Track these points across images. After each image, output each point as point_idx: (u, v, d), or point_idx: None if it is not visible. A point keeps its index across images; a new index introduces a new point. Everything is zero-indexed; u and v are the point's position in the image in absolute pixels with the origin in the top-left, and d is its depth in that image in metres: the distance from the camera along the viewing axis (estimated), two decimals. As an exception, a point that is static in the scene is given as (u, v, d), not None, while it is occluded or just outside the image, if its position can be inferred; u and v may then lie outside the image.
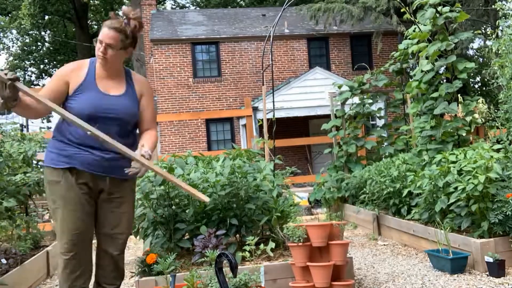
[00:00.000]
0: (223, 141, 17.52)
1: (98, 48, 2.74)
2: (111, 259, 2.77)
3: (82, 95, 2.68)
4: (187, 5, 34.67)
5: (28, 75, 35.02)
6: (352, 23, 16.17)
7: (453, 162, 4.36)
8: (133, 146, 2.75)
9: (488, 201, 3.96)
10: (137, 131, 2.88)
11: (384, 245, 5.23)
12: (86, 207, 2.67)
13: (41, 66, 34.42)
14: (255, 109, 14.20)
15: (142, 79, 2.98)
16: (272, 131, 6.12)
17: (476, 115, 5.34)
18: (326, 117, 10.45)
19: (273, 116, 6.00)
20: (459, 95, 5.44)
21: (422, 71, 5.42)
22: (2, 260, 4.07)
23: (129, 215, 2.83)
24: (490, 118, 5.21)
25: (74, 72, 2.75)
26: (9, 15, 29.25)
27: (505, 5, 4.82)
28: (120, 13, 2.99)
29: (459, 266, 3.86)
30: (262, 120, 6.54)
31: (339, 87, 7.94)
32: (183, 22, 18.85)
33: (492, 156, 4.10)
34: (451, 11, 5.34)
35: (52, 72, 34.69)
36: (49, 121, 36.49)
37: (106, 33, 2.77)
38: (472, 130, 5.37)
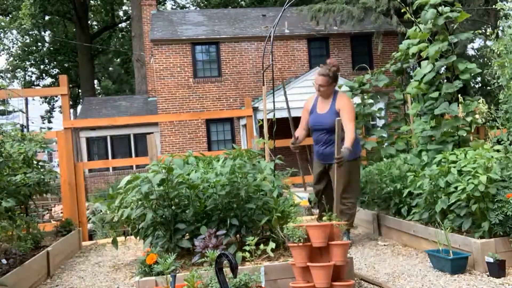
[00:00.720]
0: (223, 141, 17.53)
1: (316, 88, 4.91)
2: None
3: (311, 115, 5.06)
4: (187, 5, 34.70)
5: (28, 75, 35.03)
6: (352, 24, 16.18)
7: (454, 162, 4.36)
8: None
9: (489, 201, 3.96)
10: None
11: (385, 245, 5.23)
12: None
13: (42, 67, 34.44)
14: (256, 109, 14.21)
15: (341, 96, 4.95)
16: (273, 131, 6.12)
17: (477, 115, 5.34)
18: (327, 117, 10.44)
19: (274, 116, 6.00)
20: (459, 95, 5.43)
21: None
22: (2, 260, 4.07)
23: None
24: (491, 118, 5.20)
25: (309, 101, 5.16)
26: (9, 15, 29.26)
27: (506, 5, 4.81)
28: (327, 61, 5.07)
29: (460, 267, 3.85)
30: (262, 120, 6.54)
31: (339, 87, 7.91)
32: (183, 23, 18.85)
33: (492, 156, 4.10)
34: (451, 11, 5.34)
35: (53, 72, 34.71)
36: (50, 121, 36.54)
37: (317, 78, 4.90)
38: (473, 130, 5.37)
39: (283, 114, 14.78)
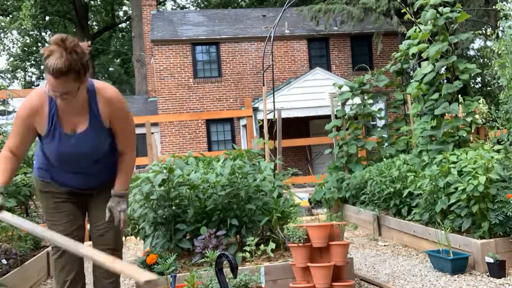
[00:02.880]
0: (223, 142, 17.51)
1: (55, 96, 2.41)
2: None
3: (51, 143, 2.59)
4: (187, 5, 34.69)
5: (28, 76, 35.03)
6: (352, 24, 16.16)
7: (454, 163, 4.36)
8: (112, 163, 2.72)
9: (489, 202, 3.96)
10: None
11: (385, 245, 5.23)
12: None
13: (42, 67, 34.41)
14: (256, 110, 14.19)
15: (108, 96, 2.62)
16: (273, 131, 6.12)
17: (477, 116, 5.34)
18: (327, 117, 10.45)
19: (274, 116, 6.00)
20: (459, 95, 5.43)
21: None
22: (2, 260, 4.06)
23: None
24: (491, 119, 5.20)
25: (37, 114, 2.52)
26: (10, 15, 29.25)
27: (506, 6, 4.81)
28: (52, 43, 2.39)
29: (460, 267, 3.85)
30: (262, 120, 6.53)
31: (340, 87, 7.93)
32: (184, 23, 18.84)
33: (492, 157, 4.10)
34: (451, 11, 5.34)
35: (52, 72, 34.67)
36: (49, 121, 36.53)
37: (54, 83, 2.35)
38: (473, 131, 5.37)
39: (283, 114, 14.79)
